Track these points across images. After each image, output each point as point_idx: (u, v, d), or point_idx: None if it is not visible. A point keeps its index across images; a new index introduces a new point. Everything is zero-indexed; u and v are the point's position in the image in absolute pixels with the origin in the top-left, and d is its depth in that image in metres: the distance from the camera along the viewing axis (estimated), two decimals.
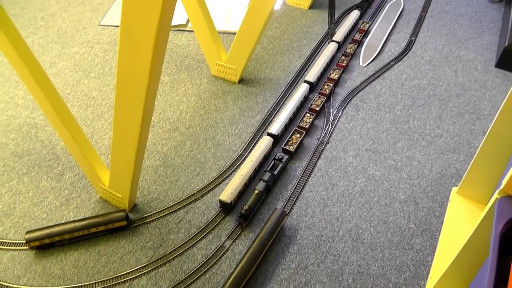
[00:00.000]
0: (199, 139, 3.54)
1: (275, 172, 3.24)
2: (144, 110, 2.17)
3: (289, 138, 3.50)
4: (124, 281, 2.75)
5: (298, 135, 3.55)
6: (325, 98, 3.92)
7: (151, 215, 3.07)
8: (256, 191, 3.10)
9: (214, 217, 3.06)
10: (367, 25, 4.78)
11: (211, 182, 3.29)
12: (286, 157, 3.31)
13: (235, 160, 3.43)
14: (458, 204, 3.14)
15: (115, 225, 2.93)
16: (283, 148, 3.43)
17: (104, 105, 3.81)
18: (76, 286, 2.72)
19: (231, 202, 3.04)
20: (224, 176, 3.33)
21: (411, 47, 4.66)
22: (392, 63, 4.46)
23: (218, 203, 3.11)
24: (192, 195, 3.20)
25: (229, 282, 2.62)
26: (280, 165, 3.29)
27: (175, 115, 3.74)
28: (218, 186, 3.26)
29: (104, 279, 2.75)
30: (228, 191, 3.07)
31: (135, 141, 2.38)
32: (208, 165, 3.36)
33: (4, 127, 3.69)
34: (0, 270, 2.81)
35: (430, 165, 3.44)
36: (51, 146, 3.51)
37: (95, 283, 2.74)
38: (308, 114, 3.75)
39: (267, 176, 3.20)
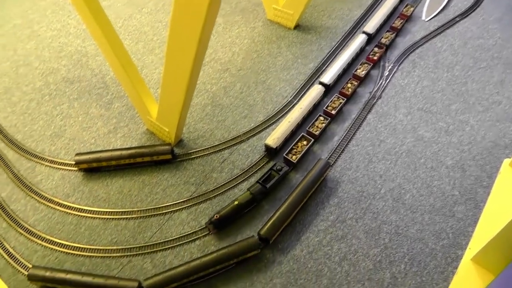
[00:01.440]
0: (250, 82, 3.68)
1: (268, 185, 3.05)
2: (198, 48, 2.26)
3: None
4: (165, 212, 2.97)
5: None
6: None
7: (196, 151, 3.26)
8: (236, 202, 2.95)
9: (258, 161, 3.22)
10: None
11: (258, 125, 3.43)
12: (285, 169, 3.12)
13: (284, 106, 3.56)
14: (509, 176, 3.17)
15: (160, 158, 3.13)
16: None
17: (155, 40, 3.99)
18: (119, 211, 2.97)
19: (276, 147, 3.17)
20: (272, 121, 3.47)
21: (481, 2, 4.56)
22: (457, 19, 4.40)
23: (263, 147, 3.26)
24: (238, 136, 3.36)
25: (267, 227, 2.79)
26: (276, 178, 3.08)
27: (226, 56, 3.88)
28: (265, 130, 3.41)
29: (146, 208, 2.98)
30: (274, 136, 3.21)
31: (187, 77, 2.51)
32: (257, 108, 3.51)
33: (56, 53, 3.94)
34: (51, 187, 3.10)
35: (484, 132, 3.47)
36: (101, 75, 3.73)
37: (138, 210, 2.97)
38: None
39: (256, 188, 3.02)
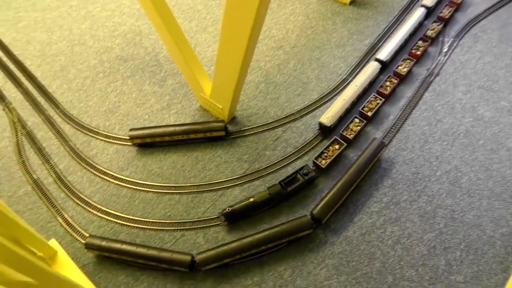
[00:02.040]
0: (304, 59, 3.67)
1: (289, 188, 2.94)
2: (253, 25, 2.27)
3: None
4: (218, 188, 3.01)
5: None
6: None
7: (249, 129, 3.29)
8: (252, 199, 2.90)
9: (312, 139, 3.22)
10: None
11: (312, 103, 3.43)
12: (311, 174, 2.99)
13: (338, 84, 3.53)
14: None
15: (213, 134, 3.18)
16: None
17: (208, 19, 4.04)
18: (173, 186, 3.03)
19: (330, 125, 3.16)
20: (326, 99, 3.46)
21: None
22: None
23: (318, 125, 3.26)
24: (291, 114, 3.37)
25: (319, 206, 2.79)
26: (299, 183, 2.97)
27: (280, 34, 3.88)
28: (319, 108, 3.40)
29: (200, 183, 3.04)
30: (328, 114, 3.20)
31: (241, 55, 2.53)
32: (311, 86, 3.50)
33: (110, 32, 4.06)
34: (106, 160, 3.20)
35: None
36: (154, 54, 3.82)
37: (191, 186, 3.03)
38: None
39: (276, 189, 2.92)
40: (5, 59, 4.06)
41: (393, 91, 3.39)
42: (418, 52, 3.57)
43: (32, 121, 3.51)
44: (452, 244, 2.70)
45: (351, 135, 3.08)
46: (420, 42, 3.60)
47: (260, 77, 3.48)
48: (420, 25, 3.83)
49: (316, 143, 3.19)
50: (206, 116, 3.31)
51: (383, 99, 3.28)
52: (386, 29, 3.85)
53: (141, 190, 3.02)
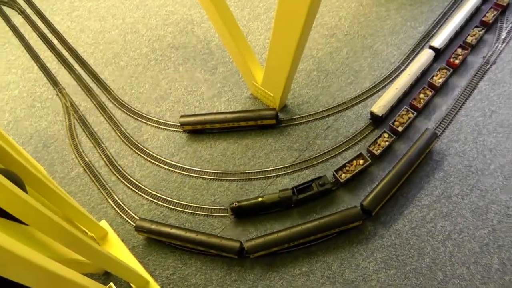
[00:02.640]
0: (356, 47, 3.62)
1: (300, 196, 2.87)
2: (308, 11, 2.25)
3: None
4: (268, 176, 3.01)
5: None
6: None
7: (300, 117, 3.26)
8: (261, 199, 2.85)
9: (363, 129, 3.17)
10: None
11: (364, 92, 3.37)
12: (327, 186, 2.87)
13: (391, 72, 3.45)
14: None
15: (264, 122, 3.18)
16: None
17: (261, 7, 4.04)
18: (222, 172, 3.04)
19: (382, 115, 3.09)
20: (378, 88, 3.39)
21: None
22: None
23: (369, 114, 3.20)
24: (343, 103, 3.32)
25: (369, 198, 2.74)
26: (311, 192, 2.88)
27: (333, 21, 3.83)
28: (371, 97, 3.33)
29: (250, 171, 3.04)
30: (380, 104, 3.13)
31: (295, 42, 2.51)
32: (363, 74, 3.44)
33: (163, 21, 4.12)
34: (157, 146, 3.25)
35: None
36: (206, 42, 3.85)
37: (241, 173, 3.04)
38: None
39: (286, 194, 2.85)
40: (59, 46, 4.20)
41: (445, 82, 3.27)
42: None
43: (84, 106, 3.61)
44: (506, 243, 2.58)
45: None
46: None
47: (312, 65, 3.45)
48: (477, 10, 3.67)
49: (367, 132, 3.14)
50: (256, 104, 3.31)
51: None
52: (441, 15, 3.74)
53: (191, 176, 3.04)
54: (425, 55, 3.39)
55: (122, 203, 2.96)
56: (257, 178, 3.04)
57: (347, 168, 2.96)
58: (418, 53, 3.55)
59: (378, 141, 3.03)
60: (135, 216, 2.88)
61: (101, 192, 3.07)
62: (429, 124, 3.16)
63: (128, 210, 2.92)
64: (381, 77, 3.45)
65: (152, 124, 3.35)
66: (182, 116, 3.25)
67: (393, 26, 3.73)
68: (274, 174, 3.05)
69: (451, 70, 3.30)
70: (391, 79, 3.45)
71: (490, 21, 3.58)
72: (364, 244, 2.68)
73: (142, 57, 3.84)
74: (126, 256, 2.75)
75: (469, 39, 3.48)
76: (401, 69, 3.48)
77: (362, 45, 3.64)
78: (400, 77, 3.34)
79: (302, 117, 3.31)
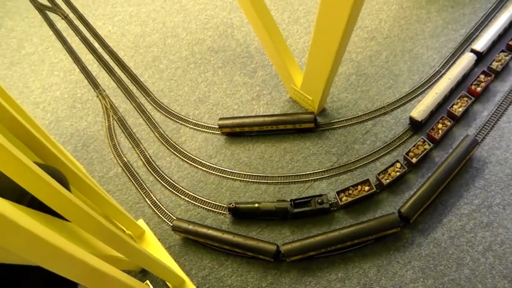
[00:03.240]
0: (396, 50, 3.59)
1: (295, 210, 2.83)
2: (350, 14, 2.22)
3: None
4: (306, 180, 3.01)
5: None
6: None
7: (338, 121, 3.26)
8: (257, 205, 2.85)
9: (402, 134, 3.13)
10: None
11: (403, 96, 3.33)
12: (325, 205, 2.81)
13: (431, 76, 3.41)
14: None
15: (302, 126, 3.19)
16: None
17: (300, 10, 4.07)
18: (260, 175, 3.06)
19: (421, 120, 3.05)
20: (418, 92, 3.34)
21: None
22: None
23: (408, 119, 3.16)
24: (382, 107, 3.30)
25: (408, 205, 2.69)
26: (309, 209, 2.83)
27: (373, 24, 3.83)
28: (410, 102, 3.29)
29: (287, 174, 3.05)
30: (420, 108, 3.09)
31: (335, 45, 2.50)
32: (402, 78, 3.42)
33: (202, 25, 4.20)
34: (195, 147, 3.30)
35: None
36: (246, 45, 3.89)
37: (278, 176, 3.05)
38: None
39: (283, 206, 2.82)
40: (100, 50, 4.32)
41: (486, 88, 3.18)
42: None
43: (124, 107, 3.69)
44: None
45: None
46: None
47: (351, 68, 3.44)
48: None
49: (406, 138, 3.09)
50: (295, 107, 3.32)
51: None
52: (484, 17, 3.65)
53: (228, 178, 3.06)
54: (467, 59, 3.32)
55: (160, 203, 3.01)
56: (294, 181, 3.04)
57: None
58: (459, 56, 3.48)
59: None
60: (172, 216, 2.92)
61: (139, 191, 3.12)
62: (470, 131, 3.08)
63: (165, 210, 2.97)
64: (420, 81, 3.40)
65: (190, 126, 3.40)
66: (220, 119, 3.28)
67: (433, 29, 3.69)
68: (311, 178, 3.04)
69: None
70: (431, 83, 3.39)
71: None
72: (402, 251, 2.63)
73: (182, 60, 3.91)
74: (163, 255, 2.78)
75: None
76: (442, 73, 3.42)
77: (402, 49, 3.61)
78: (440, 81, 3.26)
79: (341, 121, 3.29)
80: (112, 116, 3.65)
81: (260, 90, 3.48)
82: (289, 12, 4.04)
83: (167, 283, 2.65)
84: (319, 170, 3.03)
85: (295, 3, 4.12)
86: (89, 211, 1.68)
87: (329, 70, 2.77)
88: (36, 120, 2.20)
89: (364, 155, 3.09)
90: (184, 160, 3.21)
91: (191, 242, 2.84)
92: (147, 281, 2.62)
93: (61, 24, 4.86)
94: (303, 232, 2.76)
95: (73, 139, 3.65)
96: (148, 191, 3.09)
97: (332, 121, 3.27)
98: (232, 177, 3.07)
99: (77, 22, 4.80)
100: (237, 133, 3.24)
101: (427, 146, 2.98)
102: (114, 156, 3.39)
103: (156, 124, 3.47)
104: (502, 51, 3.38)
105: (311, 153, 3.09)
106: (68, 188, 1.83)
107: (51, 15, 5.08)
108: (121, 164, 3.32)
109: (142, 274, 2.77)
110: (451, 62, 3.50)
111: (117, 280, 1.63)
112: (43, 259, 1.15)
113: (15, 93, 4.13)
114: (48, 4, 5.19)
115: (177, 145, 3.30)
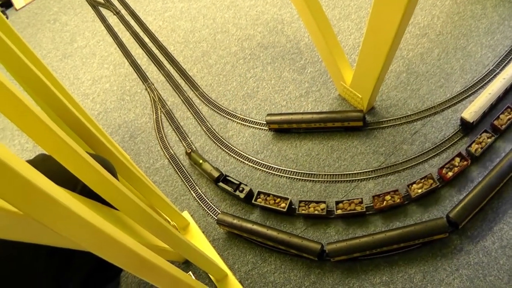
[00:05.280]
0: (448, 47, 3.50)
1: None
2: (404, 10, 2.18)
3: None
4: (352, 180, 2.98)
5: None
6: None
7: (387, 120, 3.21)
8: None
9: (452, 135, 3.04)
10: None
11: (454, 96, 3.24)
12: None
13: (484, 76, 3.29)
14: None
15: (351, 124, 3.16)
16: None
17: (352, 6, 4.04)
18: (306, 173, 3.06)
19: (473, 121, 2.96)
20: (470, 92, 3.24)
21: None
22: None
23: (459, 120, 3.06)
24: (432, 107, 3.22)
25: (457, 209, 2.61)
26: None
27: (425, 20, 3.75)
28: (461, 102, 3.19)
29: (334, 173, 3.03)
30: (471, 109, 2.99)
31: (388, 43, 2.46)
32: (454, 77, 3.32)
33: (253, 21, 4.23)
34: (242, 143, 3.32)
35: None
36: (296, 41, 3.90)
37: (325, 174, 3.03)
38: None
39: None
40: (150, 45, 4.42)
41: None
42: None
43: (172, 101, 3.77)
44: None
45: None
46: None
47: (402, 66, 3.38)
48: None
49: (456, 139, 2.99)
50: (343, 105, 3.30)
51: None
52: None
53: (274, 174, 3.08)
54: None
55: (205, 196, 3.05)
56: (341, 180, 3.02)
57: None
58: None
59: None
60: (216, 210, 2.96)
61: (185, 184, 3.18)
62: None
63: (210, 203, 3.01)
64: (473, 80, 3.29)
65: (238, 121, 3.43)
66: (268, 115, 3.30)
67: (489, 26, 3.57)
68: (358, 178, 3.01)
69: None
70: (484, 83, 3.27)
71: None
72: (449, 258, 2.55)
73: (231, 56, 3.95)
74: (206, 248, 2.82)
75: None
76: (496, 72, 3.31)
77: (454, 46, 3.51)
78: (494, 81, 3.14)
79: (390, 120, 3.24)
80: (160, 109, 3.73)
81: (309, 87, 3.48)
82: (340, 8, 4.02)
83: (210, 275, 2.68)
84: (366, 170, 3.00)
85: None
86: (137, 201, 1.73)
87: (380, 67, 2.74)
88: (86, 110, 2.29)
89: (412, 156, 3.03)
90: (230, 154, 3.24)
91: (235, 237, 2.87)
92: (190, 272, 2.66)
93: (112, 19, 5.00)
94: (348, 232, 2.74)
95: (120, 130, 3.75)
96: (194, 184, 3.14)
97: (381, 120, 3.22)
98: (278, 174, 3.08)
99: (128, 18, 4.93)
100: (285, 129, 3.25)
101: (488, 140, 2.89)
102: (161, 148, 3.46)
103: (204, 118, 3.52)
104: None
105: (359, 152, 3.06)
106: (116, 178, 1.88)
107: (104, 11, 5.24)
108: (168, 156, 3.39)
109: (185, 265, 2.82)
110: (506, 61, 3.38)
111: (162, 269, 1.66)
112: (93, 245, 1.19)
113: (66, 84, 4.28)
114: (101, 1, 5.35)
115: (224, 139, 3.33)
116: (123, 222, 1.80)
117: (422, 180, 2.84)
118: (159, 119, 3.68)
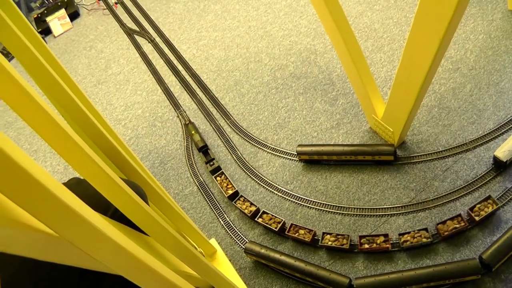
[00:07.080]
0: (481, 83, 3.48)
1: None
2: (440, 44, 2.20)
3: None
4: (382, 215, 2.98)
5: None
6: None
7: (418, 156, 3.21)
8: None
9: (484, 174, 3.00)
10: None
11: (487, 134, 3.20)
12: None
13: None
14: None
15: (381, 158, 3.18)
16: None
17: (385, 38, 4.08)
18: (336, 205, 3.08)
19: (506, 161, 2.93)
20: (503, 130, 3.19)
21: None
22: None
23: (492, 159, 3.02)
24: (463, 144, 3.19)
25: (490, 251, 2.55)
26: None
27: (458, 54, 3.75)
28: (494, 140, 3.15)
29: (363, 207, 3.04)
30: (505, 148, 2.95)
31: (422, 77, 2.49)
32: (487, 114, 3.29)
33: (286, 50, 4.32)
34: (272, 172, 3.37)
35: None
36: (328, 72, 3.96)
37: (354, 208, 3.05)
38: None
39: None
40: (183, 72, 4.54)
41: None
42: None
43: (203, 129, 3.86)
44: None
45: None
46: None
47: (434, 101, 3.39)
48: None
49: (489, 178, 2.95)
50: (374, 138, 3.32)
51: None
52: None
53: (303, 205, 3.11)
54: None
55: (233, 225, 3.09)
56: (370, 215, 3.03)
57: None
58: None
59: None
60: (244, 238, 3.00)
61: (213, 211, 3.23)
62: None
63: (238, 232, 3.05)
64: (506, 118, 3.24)
65: (268, 150, 3.49)
66: (299, 145, 3.35)
67: None
68: (388, 213, 3.01)
69: None
70: None
71: None
72: None
73: (264, 85, 4.03)
74: (233, 276, 2.85)
75: None
76: None
77: (487, 82, 3.49)
78: None
79: (421, 155, 3.23)
80: (191, 136, 3.81)
81: (340, 119, 3.52)
82: (373, 40, 4.07)
83: None
84: (396, 205, 3.00)
85: (380, 31, 4.14)
86: (167, 227, 1.78)
87: (413, 101, 2.76)
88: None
89: (443, 193, 3.00)
90: (260, 184, 3.28)
91: (262, 266, 2.89)
92: None
93: (147, 47, 5.17)
94: (377, 268, 2.74)
95: (151, 155, 3.84)
96: (222, 211, 3.18)
97: (412, 155, 3.23)
98: (308, 205, 3.11)
99: (162, 45, 5.08)
100: (315, 160, 3.29)
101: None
102: (191, 175, 3.54)
103: (234, 147, 3.58)
104: None
105: (389, 187, 3.07)
106: (147, 203, 1.94)
107: (139, 39, 5.42)
108: (197, 183, 3.45)
109: None
110: None
111: None
112: (125, 269, 1.24)
113: (99, 110, 4.36)
114: (137, 29, 5.53)
115: (254, 168, 3.39)
116: (152, 247, 1.85)
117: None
118: (190, 146, 3.76)
